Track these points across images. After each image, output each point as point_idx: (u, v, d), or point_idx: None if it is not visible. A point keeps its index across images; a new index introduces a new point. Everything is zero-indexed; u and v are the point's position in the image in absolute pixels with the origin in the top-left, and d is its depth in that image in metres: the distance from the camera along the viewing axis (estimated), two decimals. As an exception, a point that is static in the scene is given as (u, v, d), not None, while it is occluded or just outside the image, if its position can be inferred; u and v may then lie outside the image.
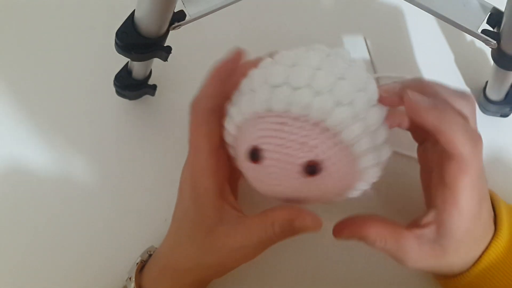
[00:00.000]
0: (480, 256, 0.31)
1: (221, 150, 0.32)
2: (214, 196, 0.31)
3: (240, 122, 0.30)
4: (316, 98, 0.27)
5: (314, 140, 0.27)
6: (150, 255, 0.35)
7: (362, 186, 0.31)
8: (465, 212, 0.29)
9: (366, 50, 0.44)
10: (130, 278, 0.33)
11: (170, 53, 0.35)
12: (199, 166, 0.31)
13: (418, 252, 0.30)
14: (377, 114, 0.29)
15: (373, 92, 0.29)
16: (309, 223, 0.30)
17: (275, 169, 0.28)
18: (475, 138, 0.28)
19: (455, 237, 0.29)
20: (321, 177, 0.28)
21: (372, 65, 0.44)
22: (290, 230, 0.30)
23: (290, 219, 0.30)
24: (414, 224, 0.32)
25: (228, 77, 0.31)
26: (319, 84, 0.28)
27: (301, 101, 0.27)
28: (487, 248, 0.31)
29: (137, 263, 0.34)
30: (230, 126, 0.30)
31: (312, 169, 0.28)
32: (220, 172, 0.32)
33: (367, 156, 0.29)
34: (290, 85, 0.28)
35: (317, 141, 0.27)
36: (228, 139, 0.31)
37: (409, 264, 0.31)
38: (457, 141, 0.27)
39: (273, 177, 0.29)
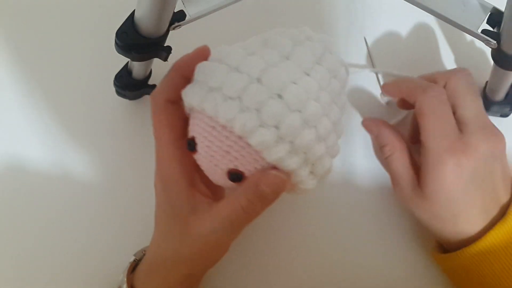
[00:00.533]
0: (478, 238, 0.32)
1: (185, 139, 0.31)
2: (184, 185, 0.30)
3: (187, 107, 0.31)
4: (241, 114, 0.27)
5: (236, 152, 0.28)
6: (144, 254, 0.35)
7: (298, 191, 0.31)
8: (430, 154, 0.32)
9: (367, 50, 0.44)
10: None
11: (170, 53, 0.35)
12: (164, 157, 0.31)
13: (407, 181, 0.34)
14: (310, 135, 0.28)
15: (310, 113, 0.28)
16: (275, 178, 0.28)
17: (205, 165, 0.30)
18: (425, 87, 0.34)
19: (425, 180, 0.33)
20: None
21: (372, 65, 0.44)
22: (258, 199, 0.29)
23: (254, 186, 0.28)
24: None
25: (188, 72, 0.31)
26: (249, 100, 0.27)
27: (226, 114, 0.27)
28: (487, 230, 0.32)
29: (130, 263, 0.34)
30: (186, 107, 0.31)
31: (234, 176, 0.29)
32: (187, 161, 0.31)
33: (296, 172, 0.29)
34: (222, 92, 0.28)
35: (238, 153, 0.28)
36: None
37: (396, 189, 0.35)
38: (409, 93, 0.35)
39: (205, 168, 0.30)
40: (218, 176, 0.30)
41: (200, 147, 0.29)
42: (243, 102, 0.27)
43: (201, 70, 0.29)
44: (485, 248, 0.32)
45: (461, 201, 0.32)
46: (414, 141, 0.38)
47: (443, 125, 0.32)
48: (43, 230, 0.39)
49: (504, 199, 0.34)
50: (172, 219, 0.31)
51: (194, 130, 0.30)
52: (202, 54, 0.31)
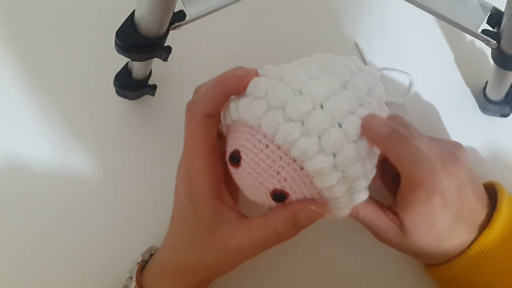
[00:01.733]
0: (467, 248, 0.33)
1: (216, 152, 0.32)
2: (211, 197, 0.31)
3: (236, 119, 0.30)
4: (302, 138, 0.27)
5: (287, 174, 0.28)
6: (151, 255, 0.35)
7: (328, 216, 0.31)
8: (417, 218, 0.32)
9: (360, 54, 0.44)
10: (131, 278, 0.33)
11: (170, 53, 0.35)
12: (195, 168, 0.31)
13: (385, 231, 0.34)
14: (361, 168, 0.28)
15: (365, 145, 0.28)
16: (314, 214, 0.29)
17: (247, 180, 0.29)
18: (424, 172, 0.29)
19: (412, 233, 0.32)
20: (286, 203, 0.29)
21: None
22: (294, 227, 0.29)
23: (292, 216, 0.29)
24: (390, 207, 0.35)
25: (232, 91, 0.31)
26: (312, 125, 0.27)
27: (287, 136, 0.27)
28: (475, 240, 0.33)
29: (138, 263, 0.34)
30: (228, 116, 0.31)
31: (277, 196, 0.29)
32: (216, 174, 0.32)
33: (338, 199, 0.29)
34: (285, 113, 0.27)
35: (289, 175, 0.28)
36: (224, 123, 0.32)
37: (380, 239, 0.34)
38: (406, 171, 0.30)
39: (245, 184, 0.30)
40: (259, 193, 0.30)
41: (246, 162, 0.29)
42: (305, 126, 0.27)
43: (261, 86, 0.28)
44: (473, 257, 0.32)
45: (447, 237, 0.33)
46: (384, 177, 0.37)
47: (431, 202, 0.31)
48: (46, 231, 0.39)
49: (483, 211, 0.34)
50: (194, 228, 0.31)
51: (241, 144, 0.29)
52: (250, 76, 0.30)
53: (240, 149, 0.29)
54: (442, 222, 0.32)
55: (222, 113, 0.32)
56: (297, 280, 0.38)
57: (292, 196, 0.29)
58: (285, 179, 0.28)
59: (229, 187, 0.33)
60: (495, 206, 0.34)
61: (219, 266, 0.32)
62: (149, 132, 0.42)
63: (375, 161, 0.31)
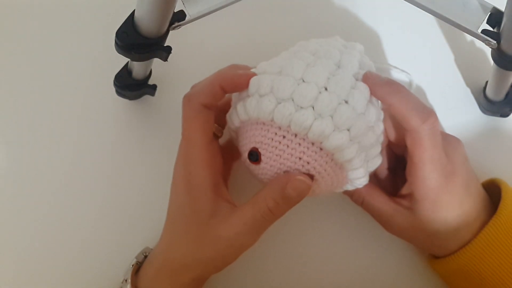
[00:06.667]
0: (470, 240, 0.32)
1: (214, 143, 0.32)
2: (209, 188, 0.31)
3: (245, 120, 0.31)
4: (316, 121, 0.29)
5: (309, 157, 0.30)
6: (145, 256, 0.35)
7: (348, 187, 0.34)
8: (428, 183, 0.31)
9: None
10: (126, 280, 0.33)
11: (170, 53, 0.35)
12: (194, 158, 0.31)
13: (392, 215, 0.34)
14: (373, 136, 0.31)
15: (372, 114, 0.30)
16: (301, 183, 0.30)
17: (271, 173, 0.31)
18: (425, 114, 0.30)
19: (424, 205, 0.32)
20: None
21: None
22: (284, 201, 0.30)
23: (280, 188, 0.30)
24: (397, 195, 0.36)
25: (230, 88, 0.31)
26: (322, 108, 0.29)
27: (302, 123, 0.29)
28: (478, 232, 0.32)
29: (132, 265, 0.34)
30: (235, 119, 0.32)
31: None
32: (214, 166, 0.32)
33: (358, 169, 0.31)
34: (294, 103, 0.29)
35: (311, 158, 0.30)
36: (231, 127, 0.33)
37: (387, 227, 0.35)
38: (407, 115, 0.30)
39: (269, 176, 0.31)
40: None
41: (266, 156, 0.30)
42: (316, 110, 0.29)
43: (264, 83, 0.30)
44: (481, 246, 0.32)
45: (457, 212, 0.33)
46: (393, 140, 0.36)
47: (439, 159, 0.31)
48: (42, 231, 0.39)
49: (485, 195, 0.35)
50: (191, 221, 0.31)
51: (257, 141, 0.31)
52: (249, 76, 0.31)
53: (257, 145, 0.31)
54: (454, 191, 0.32)
55: (227, 117, 0.33)
56: (296, 280, 0.38)
57: (317, 176, 0.30)
58: (308, 162, 0.30)
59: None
60: (495, 202, 0.34)
61: (215, 260, 0.32)
62: (149, 132, 0.42)
63: (382, 126, 0.32)
